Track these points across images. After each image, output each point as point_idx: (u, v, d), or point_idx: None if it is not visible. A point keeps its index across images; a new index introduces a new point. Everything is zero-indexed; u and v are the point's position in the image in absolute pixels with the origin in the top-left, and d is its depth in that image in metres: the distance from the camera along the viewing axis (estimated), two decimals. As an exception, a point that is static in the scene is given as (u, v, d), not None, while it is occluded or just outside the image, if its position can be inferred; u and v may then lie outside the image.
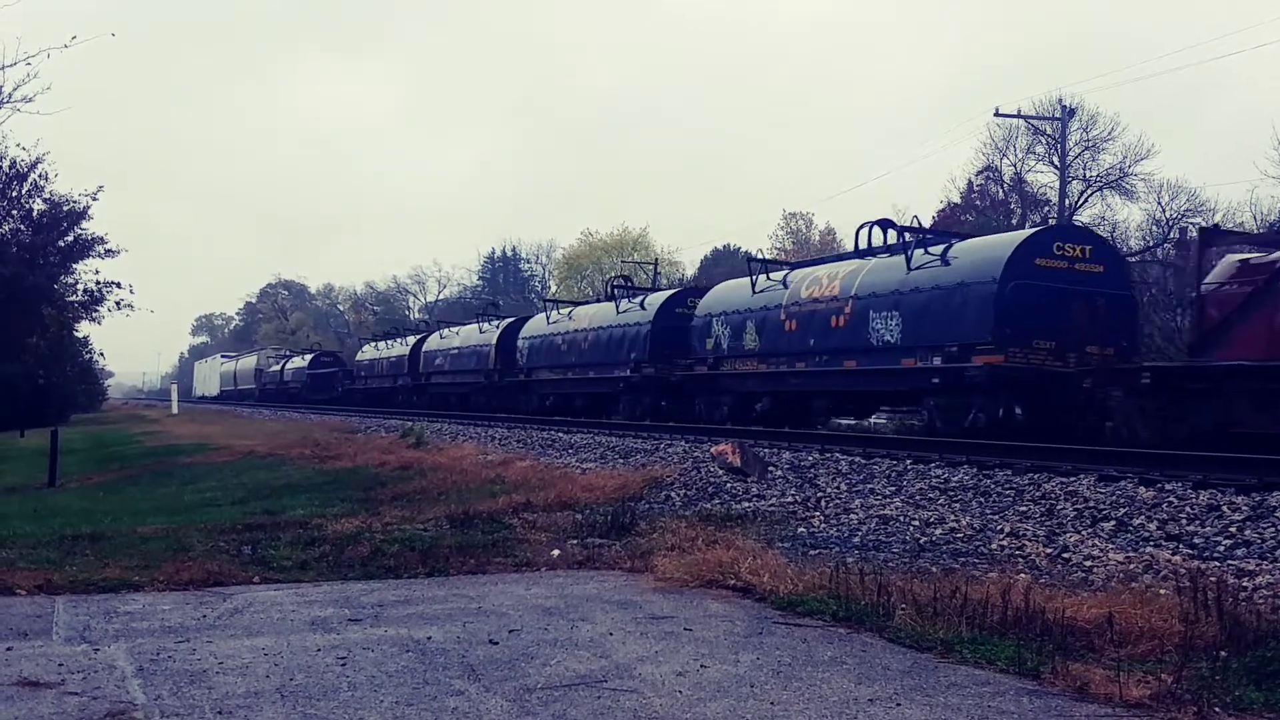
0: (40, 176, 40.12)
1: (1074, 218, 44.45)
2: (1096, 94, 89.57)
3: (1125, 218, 53.52)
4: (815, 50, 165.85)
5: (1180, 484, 9.89)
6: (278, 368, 77.35)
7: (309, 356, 71.73)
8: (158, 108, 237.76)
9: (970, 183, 50.71)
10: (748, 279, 24.69)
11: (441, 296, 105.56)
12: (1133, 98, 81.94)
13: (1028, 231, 19.76)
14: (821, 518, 9.92)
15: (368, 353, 57.97)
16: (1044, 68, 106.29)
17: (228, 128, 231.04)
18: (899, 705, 4.52)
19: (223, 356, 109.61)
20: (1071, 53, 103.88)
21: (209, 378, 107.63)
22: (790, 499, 10.96)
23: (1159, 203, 44.81)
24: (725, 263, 70.25)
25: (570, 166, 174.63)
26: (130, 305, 42.16)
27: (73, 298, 42.90)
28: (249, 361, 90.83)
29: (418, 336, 50.65)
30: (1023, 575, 7.09)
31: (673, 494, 11.71)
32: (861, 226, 22.28)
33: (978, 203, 49.66)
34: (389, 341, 55.33)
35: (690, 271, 74.92)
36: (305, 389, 65.29)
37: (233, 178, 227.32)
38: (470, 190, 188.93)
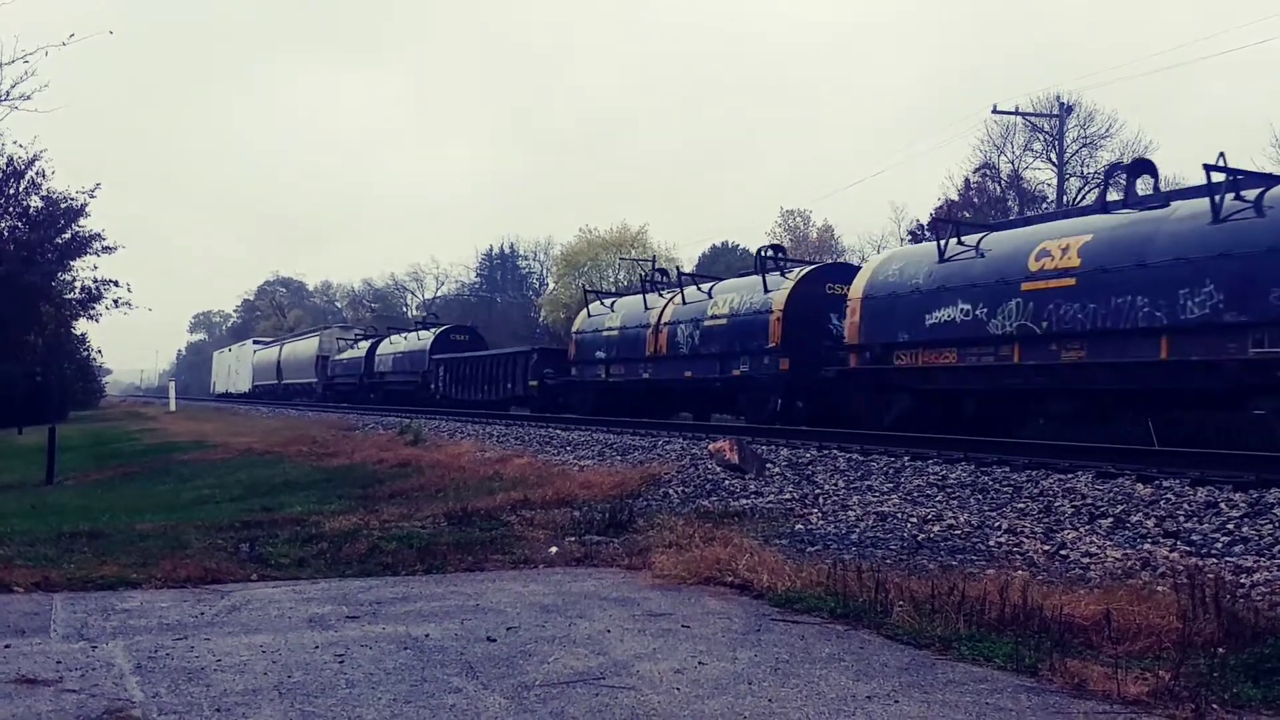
0: (37, 174, 40.19)
1: (1072, 215, 44.43)
2: (1095, 90, 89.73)
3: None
4: (813, 49, 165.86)
5: (1178, 481, 9.89)
6: (357, 353, 55.24)
7: (428, 334, 46.85)
8: (157, 109, 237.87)
9: (967, 180, 50.74)
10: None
11: (440, 294, 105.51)
12: (1130, 94, 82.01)
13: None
14: (819, 515, 9.92)
15: (605, 320, 30.25)
16: (1043, 64, 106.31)
17: (226, 129, 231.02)
18: (897, 702, 4.52)
19: (256, 342, 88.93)
20: (1071, 49, 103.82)
21: (235, 370, 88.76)
22: (788, 496, 10.96)
23: (1157, 199, 44.79)
24: (723, 259, 70.22)
25: (569, 165, 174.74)
26: (128, 303, 42.27)
27: (70, 295, 42.96)
28: (305, 346, 68.04)
29: (802, 271, 24.06)
30: (1020, 572, 7.09)
31: (670, 491, 11.71)
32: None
33: (975, 200, 49.65)
34: (673, 291, 28.09)
35: (689, 269, 74.75)
36: (439, 384, 41.71)
37: (231, 178, 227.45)
38: (468, 188, 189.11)
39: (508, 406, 35.50)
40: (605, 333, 29.92)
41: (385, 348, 51.46)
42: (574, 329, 32.36)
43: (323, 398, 59.15)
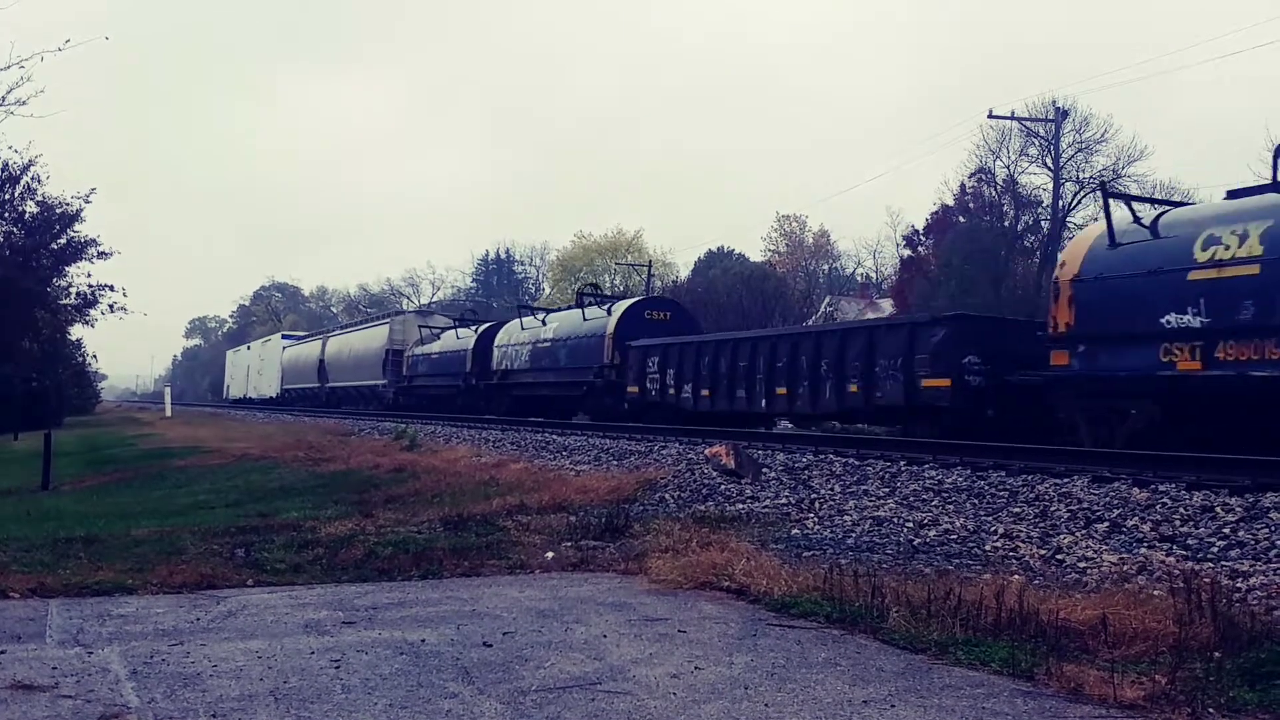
0: (33, 179, 40.06)
1: (1068, 219, 44.52)
2: (1091, 95, 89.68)
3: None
4: (807, 54, 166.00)
5: (1174, 485, 9.91)
6: (457, 345, 41.00)
7: (600, 313, 31.51)
8: (152, 114, 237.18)
9: (963, 185, 50.79)
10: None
11: (435, 299, 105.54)
12: (1124, 98, 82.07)
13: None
14: (815, 519, 9.92)
15: (1190, 234, 13.86)
16: (1038, 69, 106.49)
17: (221, 134, 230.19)
18: (893, 707, 4.52)
19: (285, 337, 74.03)
20: (1067, 53, 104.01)
21: (258, 372, 75.56)
22: (784, 500, 10.96)
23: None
24: (719, 264, 70.30)
25: (564, 170, 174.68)
26: (123, 308, 42.15)
27: (66, 301, 42.86)
28: (364, 339, 53.02)
29: None
30: (1017, 576, 7.09)
31: (667, 496, 11.71)
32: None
33: (970, 205, 49.73)
34: None
35: (684, 274, 75.01)
36: (651, 385, 26.31)
37: (227, 182, 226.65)
38: (464, 193, 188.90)
39: (832, 422, 22.03)
40: (1220, 268, 13.43)
41: (513, 335, 36.07)
42: (1065, 273, 15.83)
43: (394, 405, 45.19)
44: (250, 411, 60.62)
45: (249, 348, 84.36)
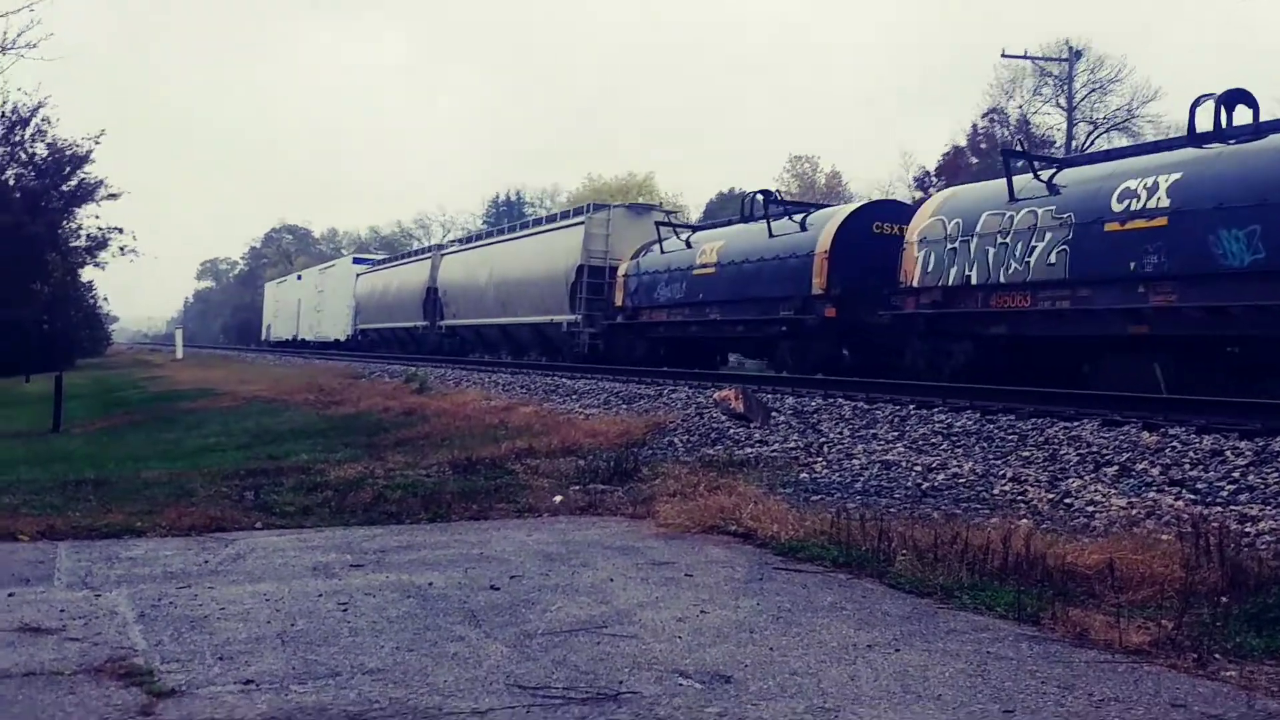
0: (43, 121, 39.94)
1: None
2: (1105, 36, 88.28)
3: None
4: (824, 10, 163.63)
5: (1184, 429, 9.86)
6: (780, 245, 21.38)
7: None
8: (162, 60, 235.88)
9: (975, 126, 50.31)
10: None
11: (446, 240, 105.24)
12: (1143, 37, 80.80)
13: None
14: (824, 463, 9.91)
15: None
16: (1052, 9, 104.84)
17: (232, 80, 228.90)
18: (898, 650, 4.53)
19: (359, 260, 58.25)
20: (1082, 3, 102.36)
21: (316, 307, 58.94)
22: (793, 445, 10.95)
23: (1167, 145, 44.47)
24: (731, 206, 69.91)
25: (576, 114, 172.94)
26: (134, 250, 42.21)
27: (76, 243, 42.92)
28: (535, 252, 32.92)
29: None
30: (1024, 521, 7.09)
31: (675, 440, 11.70)
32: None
33: (982, 145, 49.27)
34: None
35: (695, 215, 74.59)
36: None
37: (239, 128, 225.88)
38: (474, 136, 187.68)
39: None
40: None
41: (980, 211, 17.04)
42: None
43: (596, 354, 28.30)
44: (260, 354, 60.08)
45: (300, 278, 67.30)
